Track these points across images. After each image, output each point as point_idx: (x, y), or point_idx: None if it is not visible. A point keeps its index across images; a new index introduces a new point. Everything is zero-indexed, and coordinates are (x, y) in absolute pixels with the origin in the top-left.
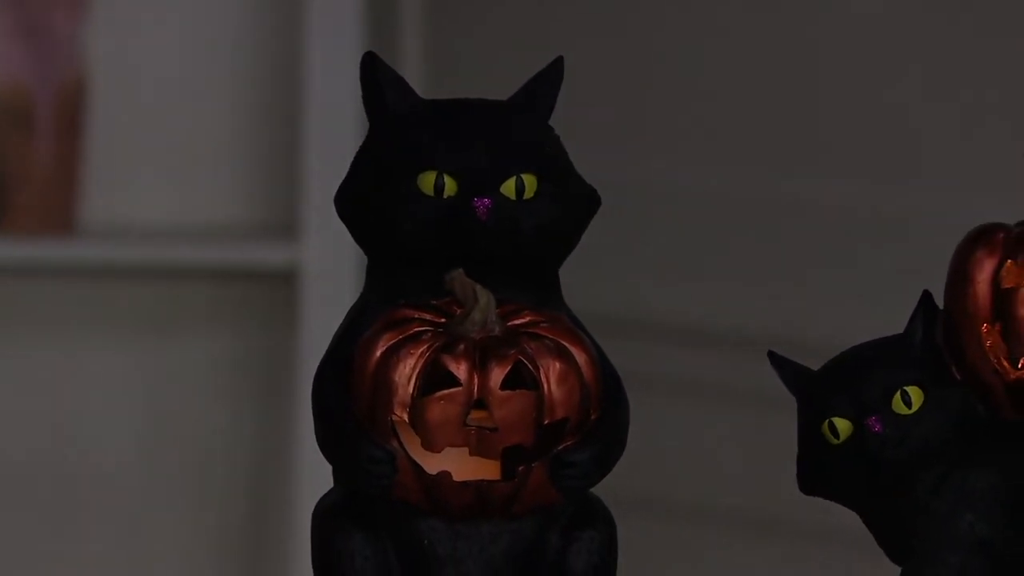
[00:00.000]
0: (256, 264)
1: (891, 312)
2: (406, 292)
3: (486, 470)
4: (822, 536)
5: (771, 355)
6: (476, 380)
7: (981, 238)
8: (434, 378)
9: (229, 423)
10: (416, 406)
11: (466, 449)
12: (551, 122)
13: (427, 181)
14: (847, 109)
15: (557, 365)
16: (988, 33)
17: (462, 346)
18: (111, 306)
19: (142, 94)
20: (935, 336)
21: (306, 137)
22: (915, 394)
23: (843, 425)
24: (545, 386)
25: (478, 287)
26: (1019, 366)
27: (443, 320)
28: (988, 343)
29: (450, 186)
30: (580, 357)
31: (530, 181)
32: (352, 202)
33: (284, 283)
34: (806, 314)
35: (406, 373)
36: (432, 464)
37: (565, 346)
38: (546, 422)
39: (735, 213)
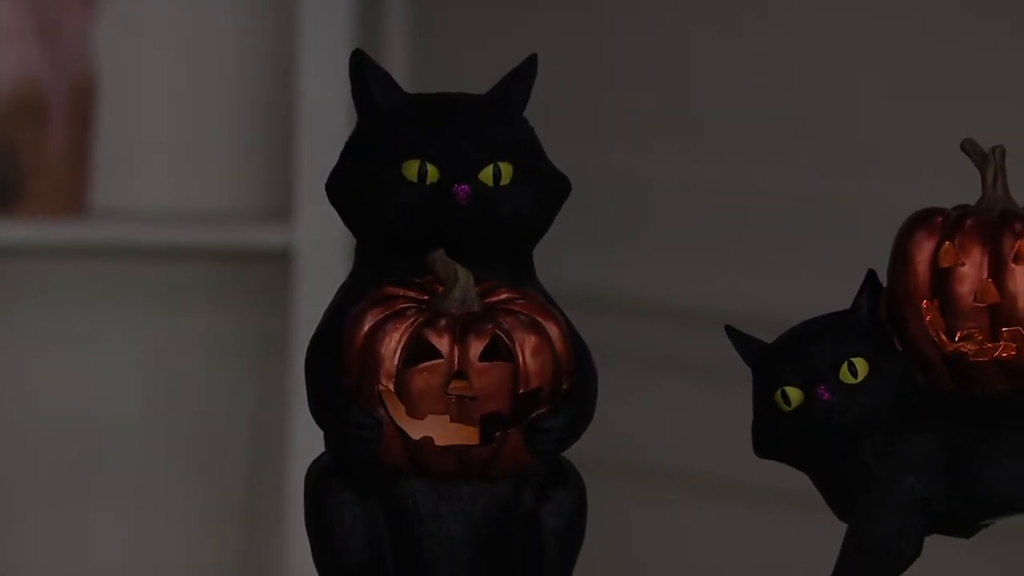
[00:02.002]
0: (253, 245)
1: (839, 290)
2: (392, 271)
3: (466, 436)
4: (775, 496)
5: (728, 329)
6: (456, 353)
7: (921, 221)
8: (417, 351)
9: (228, 392)
10: (401, 377)
11: (447, 416)
12: (525, 114)
13: (411, 169)
14: (801, 105)
15: (531, 339)
16: (933, 31)
17: (443, 321)
18: (120, 284)
19: (148, 88)
20: (879, 312)
21: (299, 128)
22: (861, 365)
23: (794, 393)
24: (520, 358)
25: (458, 267)
26: (956, 339)
27: (426, 297)
28: (927, 318)
29: (432, 173)
30: (552, 331)
31: (506, 169)
32: (342, 188)
33: (279, 263)
34: (761, 292)
35: (392, 346)
36: (416, 430)
37: (539, 321)
38: (521, 391)
39: (697, 199)
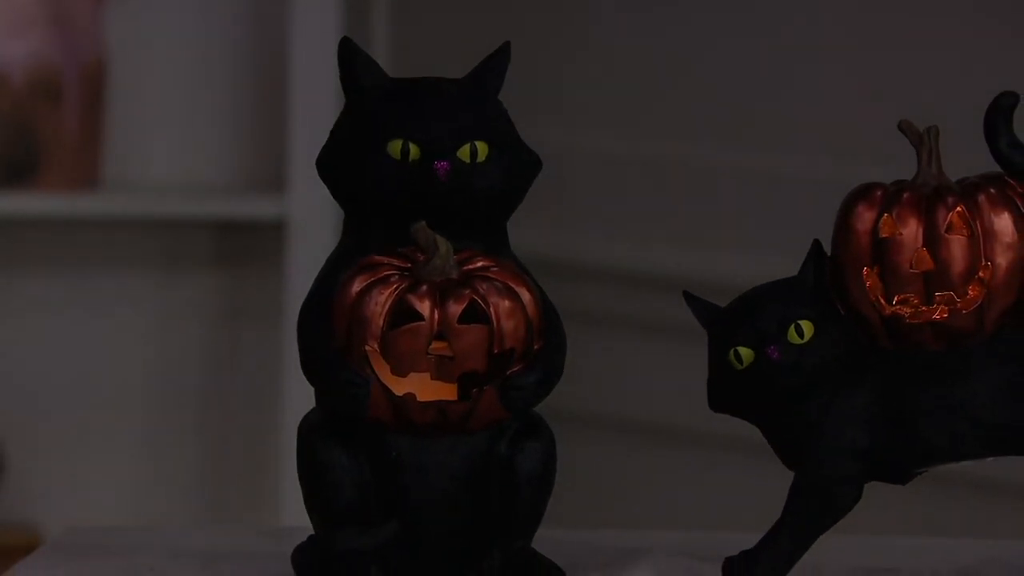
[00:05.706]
0: (250, 216)
1: (787, 258)
2: (377, 241)
3: (445, 392)
4: (728, 445)
5: (686, 294)
6: (437, 316)
7: (862, 195)
8: (401, 314)
9: (227, 351)
10: (386, 338)
11: (428, 374)
12: (499, 96)
13: (395, 147)
14: (753, 88)
15: (505, 303)
16: (881, 25)
17: (425, 287)
18: (129, 251)
19: (153, 72)
20: (824, 278)
21: (292, 109)
22: (807, 327)
23: (746, 353)
24: (495, 321)
25: (438, 237)
26: (894, 303)
27: (409, 265)
28: (868, 284)
29: (414, 152)
30: (525, 296)
31: (482, 147)
32: (331, 165)
33: (274, 232)
34: (716, 259)
35: (377, 310)
36: (399, 387)
37: (512, 287)
38: (496, 351)
39: (658, 175)
